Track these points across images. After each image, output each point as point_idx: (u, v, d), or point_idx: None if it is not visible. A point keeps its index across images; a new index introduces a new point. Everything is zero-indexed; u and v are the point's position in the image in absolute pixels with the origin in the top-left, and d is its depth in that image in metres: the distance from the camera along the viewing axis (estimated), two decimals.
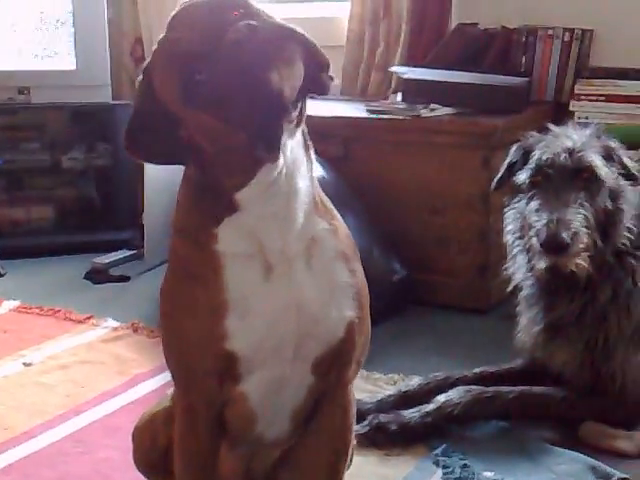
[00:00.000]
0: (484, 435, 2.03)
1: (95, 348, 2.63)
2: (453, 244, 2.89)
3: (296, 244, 1.21)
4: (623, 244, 2.04)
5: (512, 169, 2.14)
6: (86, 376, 2.44)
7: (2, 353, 2.59)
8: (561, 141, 2.05)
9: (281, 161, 1.15)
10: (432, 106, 2.96)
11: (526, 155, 2.10)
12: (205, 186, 1.19)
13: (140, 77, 1.18)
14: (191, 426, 1.31)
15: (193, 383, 1.28)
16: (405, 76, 3.08)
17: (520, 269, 2.17)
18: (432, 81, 3.00)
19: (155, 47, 1.16)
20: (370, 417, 2.02)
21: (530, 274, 2.12)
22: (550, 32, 3.18)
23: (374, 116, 3.03)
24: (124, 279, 3.31)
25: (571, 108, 3.04)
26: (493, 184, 2.23)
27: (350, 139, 3.01)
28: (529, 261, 2.09)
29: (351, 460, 1.49)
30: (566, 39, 3.15)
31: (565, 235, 1.91)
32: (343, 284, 1.26)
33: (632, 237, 2.05)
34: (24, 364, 2.52)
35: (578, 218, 1.94)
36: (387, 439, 1.98)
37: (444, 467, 1.90)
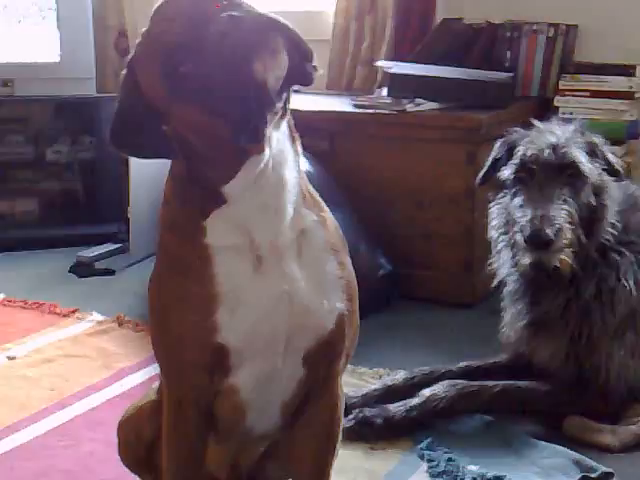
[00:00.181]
0: (469, 429, 2.05)
1: (80, 342, 2.63)
2: (438, 239, 2.90)
3: (286, 236, 1.21)
4: (607, 240, 2.06)
5: (497, 165, 2.15)
6: (71, 370, 2.43)
7: None
8: (545, 137, 2.06)
9: (267, 153, 1.15)
10: (417, 101, 2.97)
11: (510, 151, 2.11)
12: (192, 179, 1.19)
13: (124, 71, 1.18)
14: (180, 419, 1.31)
15: (183, 376, 1.28)
16: (391, 71, 3.08)
17: (505, 264, 2.18)
18: (417, 76, 3.00)
19: (139, 40, 1.16)
20: (355, 411, 2.02)
21: (515, 269, 2.13)
22: (535, 27, 3.19)
23: (360, 110, 3.03)
24: (109, 272, 3.30)
25: (555, 103, 3.05)
26: (478, 179, 2.24)
27: (336, 133, 3.01)
28: (514, 256, 2.10)
29: (337, 454, 1.49)
30: (550, 35, 3.17)
31: (549, 231, 1.93)
32: (333, 276, 1.26)
33: (616, 233, 2.06)
34: (8, 357, 2.51)
35: (562, 214, 1.96)
36: (372, 433, 1.99)
37: (429, 461, 1.90)
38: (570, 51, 3.17)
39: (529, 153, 2.03)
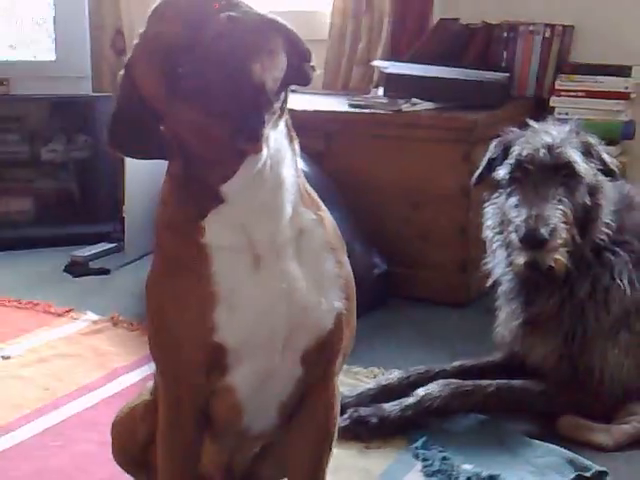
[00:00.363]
0: (463, 428, 2.05)
1: (74, 341, 2.62)
2: (433, 238, 2.90)
3: (284, 235, 1.21)
4: (601, 240, 2.06)
5: (492, 165, 2.16)
6: (65, 369, 2.43)
7: None
8: (540, 137, 2.06)
9: (265, 152, 1.15)
10: (413, 101, 2.97)
11: (506, 151, 2.11)
12: (190, 179, 1.19)
13: (122, 72, 1.18)
14: (176, 418, 1.31)
15: (180, 375, 1.27)
16: (387, 71, 3.09)
17: (499, 264, 2.18)
18: (413, 76, 3.00)
19: (136, 41, 1.16)
20: (350, 410, 2.02)
21: (509, 269, 2.13)
22: (531, 28, 3.20)
23: (356, 110, 3.03)
24: (104, 272, 3.30)
25: (551, 104, 3.06)
26: (473, 179, 2.24)
27: (331, 133, 3.01)
28: (508, 256, 2.11)
29: (332, 453, 1.49)
30: (547, 35, 3.17)
31: (544, 231, 1.93)
32: (331, 275, 1.26)
33: (610, 233, 2.06)
34: (2, 357, 2.51)
35: (557, 214, 1.96)
36: (367, 432, 1.99)
37: (424, 460, 1.91)
38: (566, 51, 3.17)
39: (524, 153, 2.03)
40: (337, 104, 3.15)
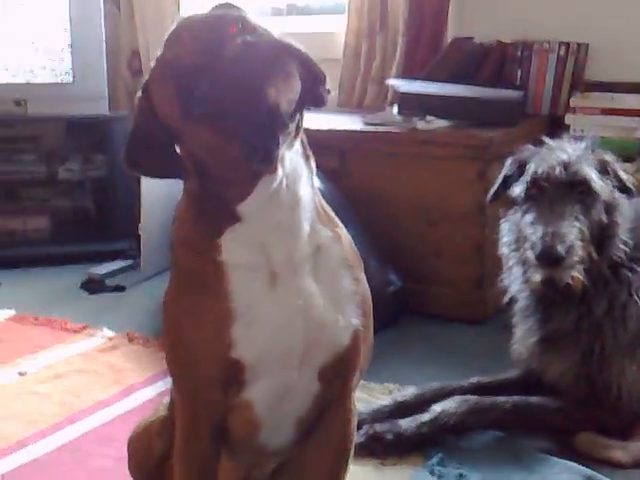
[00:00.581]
0: (480, 445, 2.04)
1: (90, 357, 2.63)
2: (449, 255, 2.90)
3: (302, 252, 1.22)
4: (618, 257, 2.05)
5: (507, 182, 2.16)
6: (81, 385, 2.44)
7: None
8: (556, 154, 2.06)
9: (280, 172, 1.16)
10: (428, 118, 2.98)
11: (521, 168, 2.11)
12: (206, 198, 1.20)
13: (139, 94, 1.20)
14: (193, 434, 1.31)
15: (197, 392, 1.27)
16: (401, 89, 3.09)
17: (516, 281, 2.18)
18: (428, 94, 3.01)
19: (153, 64, 1.18)
20: (366, 426, 2.02)
21: (525, 286, 2.12)
22: (545, 46, 3.20)
23: (370, 128, 3.04)
24: (120, 289, 3.31)
25: (566, 121, 3.05)
26: (488, 196, 2.24)
27: (346, 151, 3.03)
28: (524, 273, 2.10)
29: (348, 469, 1.49)
30: (561, 53, 3.17)
31: (560, 248, 1.93)
32: (348, 292, 1.27)
33: (627, 250, 2.06)
34: (19, 373, 2.52)
35: (573, 231, 1.96)
36: (383, 448, 1.99)
37: (439, 477, 1.90)
38: (581, 69, 3.17)
39: (540, 170, 2.03)
40: (352, 122, 3.17)
